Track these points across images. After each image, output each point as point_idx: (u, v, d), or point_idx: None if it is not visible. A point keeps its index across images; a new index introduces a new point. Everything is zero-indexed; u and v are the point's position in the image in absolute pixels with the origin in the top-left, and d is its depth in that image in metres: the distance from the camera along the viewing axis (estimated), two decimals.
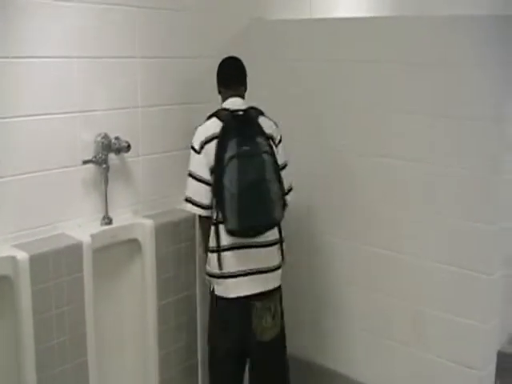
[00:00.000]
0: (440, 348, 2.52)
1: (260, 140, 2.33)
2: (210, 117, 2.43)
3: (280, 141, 2.49)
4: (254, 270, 2.40)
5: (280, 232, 2.44)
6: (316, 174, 2.79)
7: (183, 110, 2.75)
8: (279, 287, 2.48)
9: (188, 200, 2.38)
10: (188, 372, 2.75)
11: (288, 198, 2.46)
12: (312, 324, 2.92)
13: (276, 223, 2.37)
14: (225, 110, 2.44)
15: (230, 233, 2.31)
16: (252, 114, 2.43)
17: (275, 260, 2.44)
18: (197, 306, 2.73)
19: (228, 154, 2.28)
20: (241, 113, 2.43)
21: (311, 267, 2.89)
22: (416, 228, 2.55)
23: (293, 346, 2.60)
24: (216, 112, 2.44)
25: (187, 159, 2.40)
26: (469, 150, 2.37)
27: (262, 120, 2.42)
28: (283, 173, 2.42)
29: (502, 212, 2.39)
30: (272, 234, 2.40)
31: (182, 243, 2.63)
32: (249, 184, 2.27)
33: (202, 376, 2.78)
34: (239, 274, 2.38)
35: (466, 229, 2.40)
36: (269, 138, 2.40)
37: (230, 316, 2.39)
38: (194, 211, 2.40)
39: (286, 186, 2.42)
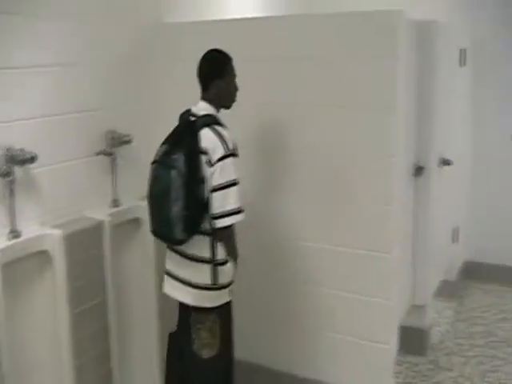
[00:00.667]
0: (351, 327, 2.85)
1: (179, 153, 2.23)
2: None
3: (221, 159, 2.25)
4: (170, 273, 2.46)
5: (212, 251, 2.35)
6: None
7: (84, 118, 2.72)
8: (199, 308, 2.39)
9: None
10: (104, 379, 2.74)
11: (217, 222, 2.29)
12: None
13: (176, 242, 2.33)
14: (188, 111, 2.42)
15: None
16: (197, 123, 2.32)
17: (190, 274, 2.38)
18: (108, 312, 2.73)
19: (153, 159, 2.33)
20: (192, 119, 2.37)
21: None
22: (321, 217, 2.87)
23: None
24: (184, 111, 2.43)
25: (91, 166, 2.41)
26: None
27: (205, 132, 2.29)
28: (214, 195, 2.26)
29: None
30: (193, 248, 2.34)
31: (92, 250, 2.62)
32: (150, 193, 2.31)
33: (119, 382, 2.79)
34: (169, 274, 2.48)
35: (367, 213, 2.76)
36: (201, 152, 2.27)
37: None
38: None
39: (215, 209, 2.27)
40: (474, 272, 4.66)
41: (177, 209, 2.20)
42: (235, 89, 2.45)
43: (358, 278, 2.81)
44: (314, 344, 2.97)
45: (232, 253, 2.41)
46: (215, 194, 2.26)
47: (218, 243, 2.35)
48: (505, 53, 4.51)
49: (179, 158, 2.21)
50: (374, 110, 2.73)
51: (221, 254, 2.37)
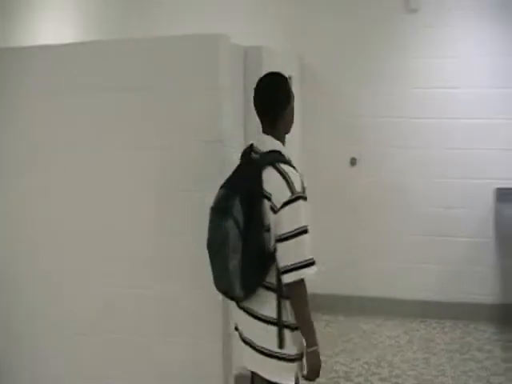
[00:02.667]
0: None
1: (236, 199, 1.91)
2: None
3: (287, 203, 1.91)
4: (237, 329, 2.18)
5: (279, 311, 1.98)
6: None
7: None
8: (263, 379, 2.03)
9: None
10: None
11: (286, 277, 1.93)
12: None
13: (236, 299, 2.05)
14: (250, 146, 2.09)
15: None
16: (262, 160, 1.98)
17: (254, 335, 2.04)
18: None
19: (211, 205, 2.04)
20: (254, 156, 2.03)
21: None
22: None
23: None
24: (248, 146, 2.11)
25: None
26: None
27: (268, 172, 1.95)
28: (281, 245, 1.93)
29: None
30: (256, 304, 2.01)
31: None
32: (208, 244, 2.02)
33: None
34: (235, 327, 2.22)
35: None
36: (265, 197, 1.94)
37: None
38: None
39: (283, 262, 1.93)
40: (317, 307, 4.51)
41: (235, 262, 1.93)
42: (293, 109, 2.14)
43: None
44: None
45: (302, 316, 1.99)
46: (282, 245, 1.93)
47: (287, 302, 2.00)
48: (333, 80, 4.49)
49: (236, 205, 1.91)
50: (201, 145, 2.45)
51: (290, 315, 2.00)
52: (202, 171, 2.45)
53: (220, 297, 2.21)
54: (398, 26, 4.37)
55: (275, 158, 1.99)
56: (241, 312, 2.11)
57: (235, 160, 2.16)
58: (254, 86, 2.08)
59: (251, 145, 2.10)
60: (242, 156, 2.13)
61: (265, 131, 2.07)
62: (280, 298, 1.99)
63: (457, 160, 4.37)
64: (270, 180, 1.95)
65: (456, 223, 4.42)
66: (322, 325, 4.39)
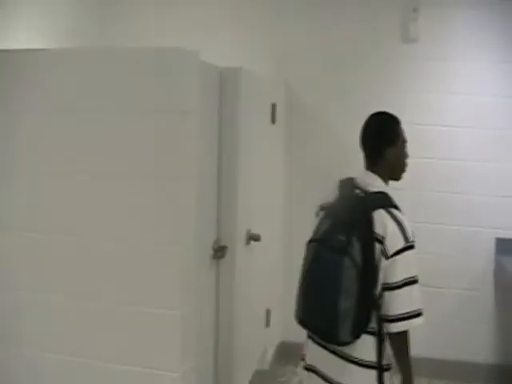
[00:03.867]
0: None
1: (355, 238, 1.87)
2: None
3: (401, 251, 1.90)
4: (321, 373, 2.09)
5: (379, 355, 1.96)
6: None
7: None
8: None
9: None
10: None
11: (394, 326, 1.93)
12: None
13: (339, 343, 1.95)
14: (352, 181, 2.09)
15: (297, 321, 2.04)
16: (373, 201, 1.97)
17: (354, 380, 1.99)
18: None
19: (313, 235, 2.03)
20: (361, 194, 2.00)
21: None
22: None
23: None
24: (344, 180, 2.13)
25: None
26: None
27: (379, 214, 1.93)
28: (390, 294, 1.91)
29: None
30: (356, 349, 1.95)
31: None
32: (316, 281, 1.95)
33: None
34: (309, 368, 2.15)
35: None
36: (376, 240, 1.90)
37: None
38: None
39: (391, 311, 1.92)
40: (290, 356, 4.05)
41: (347, 305, 1.86)
42: (406, 156, 2.17)
43: None
44: None
45: (405, 363, 2.01)
46: (393, 293, 1.92)
47: (388, 346, 2.00)
48: (322, 110, 4.09)
49: (355, 245, 1.87)
50: (159, 180, 2.04)
51: (388, 357, 2.02)
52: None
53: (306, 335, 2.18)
54: (395, 56, 3.99)
55: (387, 202, 1.99)
56: (326, 353, 2.05)
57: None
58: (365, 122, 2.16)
59: (351, 178, 2.11)
60: (341, 188, 2.11)
61: (368, 168, 2.10)
62: (381, 342, 1.98)
63: (455, 205, 3.96)
64: (384, 224, 1.92)
65: (451, 273, 4.00)
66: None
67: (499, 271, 3.84)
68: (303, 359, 2.23)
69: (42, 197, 2.20)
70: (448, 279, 4.00)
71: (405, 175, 3.81)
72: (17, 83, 2.17)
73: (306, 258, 2.02)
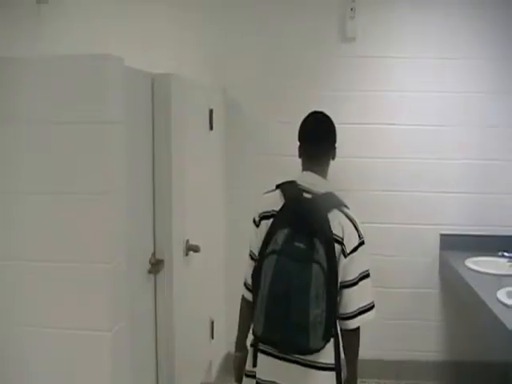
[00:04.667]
0: None
1: (317, 242, 1.85)
2: (276, 187, 2.07)
3: (356, 248, 1.94)
4: None
5: (337, 356, 1.98)
6: None
7: None
8: None
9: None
10: None
11: (351, 323, 1.96)
12: None
13: (310, 352, 1.91)
14: (294, 184, 2.02)
15: (255, 337, 1.99)
16: (324, 202, 1.95)
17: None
18: None
19: (271, 247, 1.90)
20: (309, 196, 1.97)
21: None
22: None
23: None
24: (283, 184, 2.05)
25: None
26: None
27: (334, 215, 1.93)
28: (348, 291, 1.94)
29: None
30: (318, 354, 1.93)
31: None
32: (283, 293, 1.84)
33: None
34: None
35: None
36: (335, 241, 1.91)
37: None
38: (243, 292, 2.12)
39: (350, 308, 1.95)
40: None
41: (318, 312, 1.83)
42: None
43: None
44: None
45: (355, 360, 2.05)
46: (350, 290, 1.95)
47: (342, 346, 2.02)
48: (257, 116, 4.02)
49: (319, 249, 1.84)
50: (84, 195, 1.92)
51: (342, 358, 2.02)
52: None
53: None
54: (333, 55, 3.97)
55: (338, 201, 1.99)
56: (287, 365, 2.00)
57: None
58: (304, 120, 2.13)
59: (292, 181, 2.06)
60: (286, 192, 2.03)
61: (311, 169, 2.06)
62: (338, 342, 2.00)
63: (400, 202, 3.97)
64: (341, 224, 1.94)
65: (398, 272, 4.01)
66: None
67: (444, 267, 3.88)
68: (249, 375, 2.16)
69: None
70: (394, 278, 4.02)
71: (349, 175, 3.88)
72: None
73: (264, 273, 1.90)
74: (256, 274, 1.97)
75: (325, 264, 1.85)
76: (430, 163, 3.93)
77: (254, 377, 2.11)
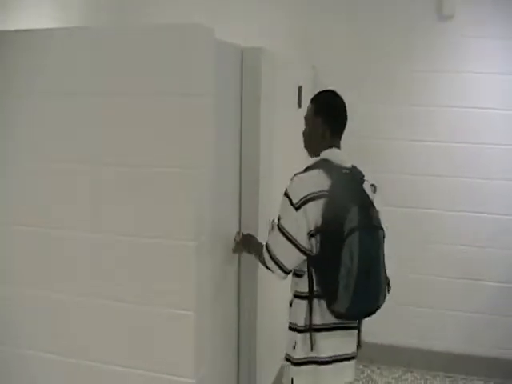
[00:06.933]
0: None
1: (374, 211, 2.04)
2: (312, 167, 2.07)
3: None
4: (344, 357, 2.11)
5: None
6: None
7: None
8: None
9: (271, 256, 2.07)
10: None
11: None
12: None
13: (373, 312, 2.06)
14: (329, 162, 2.07)
15: (336, 314, 1.97)
16: (358, 175, 2.12)
17: (354, 346, 2.16)
18: None
19: (349, 225, 1.93)
20: (347, 171, 2.07)
21: None
22: None
23: None
24: (319, 163, 2.08)
25: None
26: None
27: (366, 185, 2.13)
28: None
29: None
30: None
31: None
32: (369, 263, 1.96)
33: None
34: (336, 359, 2.07)
35: None
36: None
37: None
38: (273, 271, 2.09)
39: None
40: None
41: (384, 271, 2.03)
42: None
43: None
44: None
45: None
46: None
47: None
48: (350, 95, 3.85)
49: (377, 216, 2.05)
50: (170, 169, 1.89)
51: None
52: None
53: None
54: (429, 34, 3.74)
55: (363, 174, 2.14)
56: (347, 333, 2.12)
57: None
58: (327, 100, 2.22)
59: (326, 159, 2.12)
60: (330, 171, 2.06)
61: (336, 146, 2.16)
62: None
63: (493, 191, 3.71)
64: (371, 191, 2.15)
65: (488, 265, 3.77)
66: None
67: None
68: (299, 363, 2.07)
69: (39, 187, 2.06)
70: (486, 271, 3.78)
71: (441, 161, 3.67)
72: (17, 65, 2.02)
73: (349, 251, 1.92)
74: (332, 256, 1.93)
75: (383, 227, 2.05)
76: None
77: (305, 363, 2.05)
